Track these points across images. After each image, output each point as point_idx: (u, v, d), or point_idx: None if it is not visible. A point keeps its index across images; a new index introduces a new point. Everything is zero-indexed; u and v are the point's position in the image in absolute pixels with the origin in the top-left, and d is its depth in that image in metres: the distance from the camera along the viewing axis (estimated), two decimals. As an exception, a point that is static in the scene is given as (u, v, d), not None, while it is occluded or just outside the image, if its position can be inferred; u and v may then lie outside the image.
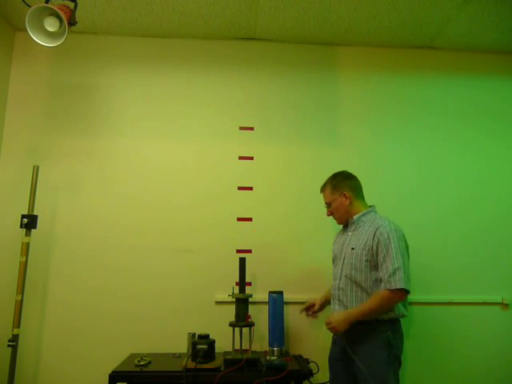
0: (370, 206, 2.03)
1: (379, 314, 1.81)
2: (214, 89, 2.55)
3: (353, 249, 1.92)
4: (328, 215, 2.09)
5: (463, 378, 2.35)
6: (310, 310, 2.16)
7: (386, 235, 1.84)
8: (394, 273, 1.77)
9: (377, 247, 1.85)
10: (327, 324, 1.83)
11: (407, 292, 1.78)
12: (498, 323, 2.41)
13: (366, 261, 1.86)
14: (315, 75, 2.61)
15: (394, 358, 1.81)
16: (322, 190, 2.10)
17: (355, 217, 1.99)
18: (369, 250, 1.86)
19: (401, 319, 1.90)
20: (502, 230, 2.51)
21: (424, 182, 2.53)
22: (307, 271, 2.38)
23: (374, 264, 1.86)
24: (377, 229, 1.87)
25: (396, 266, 1.78)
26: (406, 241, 1.90)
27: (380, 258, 1.83)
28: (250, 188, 2.47)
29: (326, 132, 2.55)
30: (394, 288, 1.76)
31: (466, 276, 2.44)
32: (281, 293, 2.18)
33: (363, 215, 1.98)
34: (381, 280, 1.81)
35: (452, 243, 2.47)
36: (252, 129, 2.53)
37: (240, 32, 2.54)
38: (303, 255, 2.28)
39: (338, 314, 1.85)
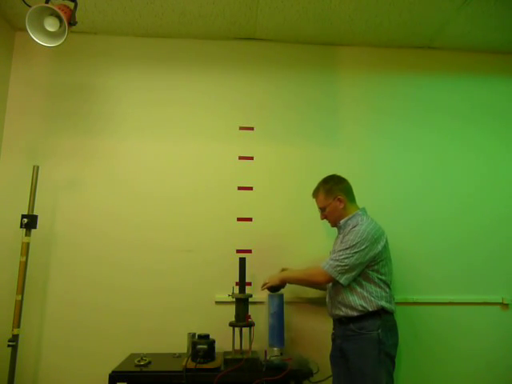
0: (360, 209, 2.03)
1: (305, 285, 2.08)
2: (213, 89, 2.54)
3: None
4: (322, 219, 2.10)
5: (463, 377, 2.35)
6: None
7: (354, 233, 1.88)
8: (337, 260, 1.85)
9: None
10: (263, 285, 2.06)
11: (332, 279, 1.87)
12: (498, 323, 2.41)
13: None
14: (315, 75, 2.61)
15: (386, 356, 1.81)
16: (315, 195, 2.10)
17: (341, 221, 2.01)
18: None
19: (394, 317, 1.91)
20: (502, 231, 2.50)
21: (425, 182, 2.53)
22: (307, 271, 2.37)
23: None
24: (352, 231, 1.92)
25: (342, 257, 1.84)
26: (378, 243, 1.89)
27: (339, 245, 1.92)
28: (250, 188, 2.46)
29: (326, 132, 2.55)
30: (327, 271, 1.86)
31: (466, 276, 2.44)
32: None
33: (349, 219, 1.99)
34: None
35: (452, 243, 2.47)
36: (252, 129, 2.53)
37: (240, 32, 2.54)
38: (303, 255, 2.28)
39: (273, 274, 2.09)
